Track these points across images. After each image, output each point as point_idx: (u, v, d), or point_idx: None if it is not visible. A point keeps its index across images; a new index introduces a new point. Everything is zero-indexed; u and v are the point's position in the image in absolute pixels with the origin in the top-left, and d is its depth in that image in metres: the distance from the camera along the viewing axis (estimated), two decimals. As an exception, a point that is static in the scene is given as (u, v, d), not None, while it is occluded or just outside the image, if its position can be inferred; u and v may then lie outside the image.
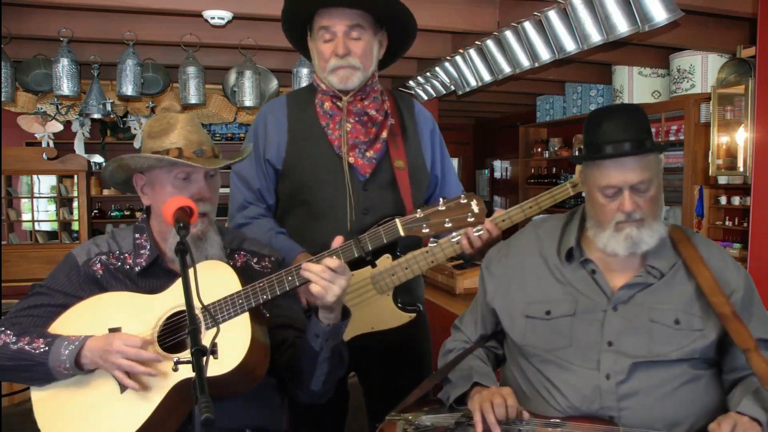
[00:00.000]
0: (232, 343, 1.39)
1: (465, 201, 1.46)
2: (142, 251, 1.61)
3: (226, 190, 2.00)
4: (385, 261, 1.86)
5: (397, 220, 1.47)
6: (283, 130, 1.95)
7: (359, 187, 1.92)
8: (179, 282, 1.40)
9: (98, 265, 1.61)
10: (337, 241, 1.50)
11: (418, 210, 1.47)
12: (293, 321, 1.65)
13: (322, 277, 1.42)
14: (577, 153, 6.03)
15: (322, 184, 1.92)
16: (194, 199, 1.52)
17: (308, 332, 1.52)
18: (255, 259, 1.69)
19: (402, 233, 1.48)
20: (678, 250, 1.56)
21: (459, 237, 1.83)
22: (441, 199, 1.47)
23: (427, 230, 1.46)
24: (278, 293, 1.47)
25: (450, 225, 1.45)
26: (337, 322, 1.50)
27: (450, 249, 1.86)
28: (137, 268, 1.60)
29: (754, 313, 1.53)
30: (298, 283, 1.47)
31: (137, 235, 1.64)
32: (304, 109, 1.97)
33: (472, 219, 1.46)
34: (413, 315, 1.93)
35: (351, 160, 1.90)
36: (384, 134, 1.94)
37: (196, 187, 1.56)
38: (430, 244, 1.76)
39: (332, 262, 1.44)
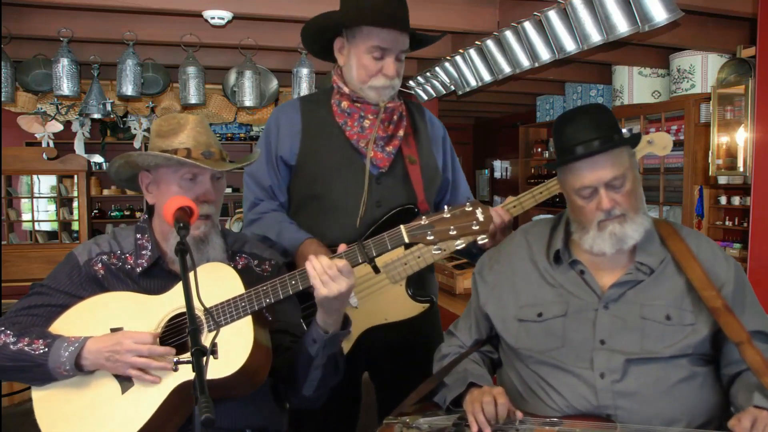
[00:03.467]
0: (234, 346, 1.39)
1: (470, 209, 1.46)
2: (143, 252, 1.61)
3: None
4: (397, 250, 1.86)
5: (402, 227, 1.48)
6: (296, 127, 1.99)
7: (372, 180, 1.96)
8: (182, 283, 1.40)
9: (99, 265, 1.61)
10: (342, 248, 1.51)
11: (423, 217, 1.48)
12: (289, 326, 1.64)
13: (326, 272, 1.42)
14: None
15: (336, 177, 1.95)
16: (199, 200, 1.52)
17: (306, 336, 1.51)
18: (255, 262, 1.68)
19: (406, 240, 1.48)
20: (666, 245, 1.56)
21: None
22: (446, 207, 1.48)
23: (432, 237, 1.46)
24: (281, 297, 1.47)
25: (455, 233, 1.46)
26: (336, 330, 1.49)
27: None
28: (138, 269, 1.59)
29: (746, 305, 1.52)
30: (301, 287, 1.47)
31: (138, 236, 1.63)
32: (317, 108, 2.02)
33: (477, 227, 1.46)
34: (426, 305, 1.95)
35: (371, 153, 1.94)
36: (400, 132, 2.00)
37: (202, 189, 1.55)
38: (434, 252, 1.77)
39: (339, 261, 1.44)
